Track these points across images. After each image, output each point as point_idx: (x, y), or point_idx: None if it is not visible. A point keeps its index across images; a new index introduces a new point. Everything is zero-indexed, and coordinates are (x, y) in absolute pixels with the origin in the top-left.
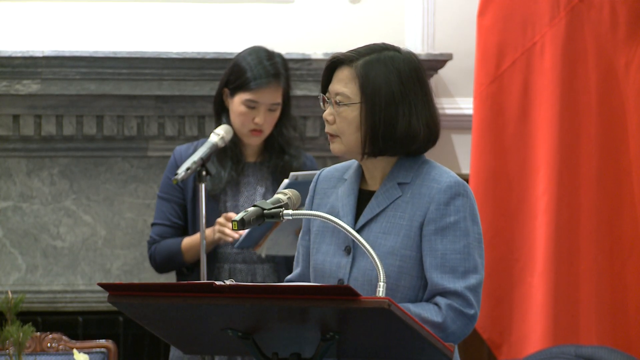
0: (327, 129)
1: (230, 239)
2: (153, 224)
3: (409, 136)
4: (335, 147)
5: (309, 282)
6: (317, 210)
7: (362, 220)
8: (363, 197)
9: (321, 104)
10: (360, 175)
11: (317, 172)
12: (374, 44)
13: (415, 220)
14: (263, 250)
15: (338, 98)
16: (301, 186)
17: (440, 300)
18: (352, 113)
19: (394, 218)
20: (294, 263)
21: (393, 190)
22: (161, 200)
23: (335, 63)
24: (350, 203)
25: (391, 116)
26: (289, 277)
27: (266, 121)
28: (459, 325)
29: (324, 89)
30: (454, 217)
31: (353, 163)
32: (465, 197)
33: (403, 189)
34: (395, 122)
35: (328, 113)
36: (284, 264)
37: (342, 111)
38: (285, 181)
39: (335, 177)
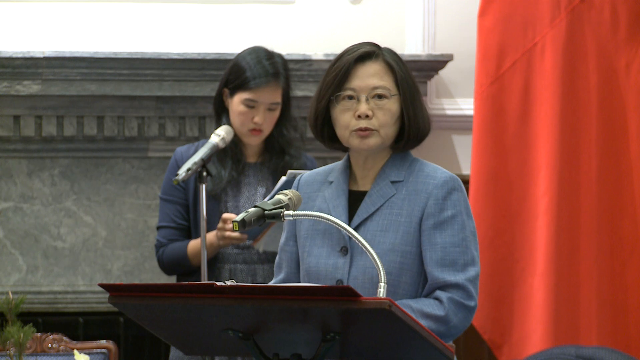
0: (365, 124)
1: (236, 242)
2: (158, 227)
3: (429, 125)
4: (372, 141)
5: None
6: None
7: (356, 219)
8: (353, 198)
9: (335, 101)
10: (348, 176)
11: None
12: (365, 43)
13: (414, 216)
14: (261, 246)
15: (379, 91)
16: None
17: (440, 294)
18: (394, 105)
19: (391, 215)
20: (275, 269)
21: (387, 188)
22: (164, 202)
23: (362, 58)
24: (342, 204)
25: (421, 106)
26: (270, 283)
27: (266, 121)
28: (461, 318)
29: (340, 87)
30: (451, 211)
31: (335, 166)
32: (460, 192)
33: (397, 187)
34: (423, 112)
35: (367, 108)
36: None
37: (384, 104)
38: (283, 178)
39: (318, 181)
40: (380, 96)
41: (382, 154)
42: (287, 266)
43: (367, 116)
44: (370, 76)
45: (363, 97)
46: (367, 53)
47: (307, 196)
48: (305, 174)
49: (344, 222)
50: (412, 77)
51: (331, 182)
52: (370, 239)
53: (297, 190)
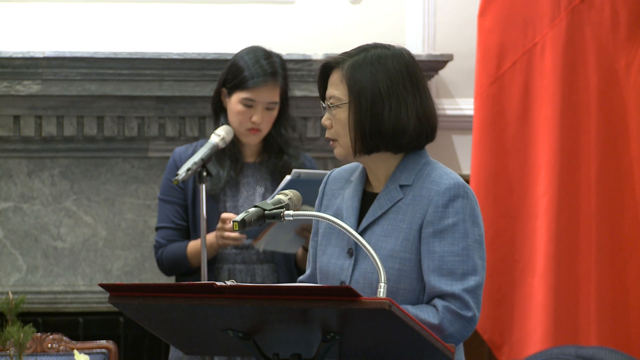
0: (327, 134)
1: (234, 242)
2: (157, 228)
3: (397, 130)
4: (337, 151)
5: (317, 283)
6: (324, 212)
7: (364, 222)
8: (367, 199)
9: (323, 110)
10: (365, 177)
11: (321, 171)
12: (366, 44)
13: (415, 222)
14: (261, 245)
15: (331, 101)
16: (303, 184)
17: (437, 302)
18: (344, 114)
19: (395, 221)
20: (307, 263)
21: (395, 192)
22: (163, 202)
23: (326, 68)
24: (354, 205)
25: (377, 112)
26: (300, 277)
27: (264, 120)
28: (457, 328)
29: (322, 96)
30: (452, 219)
31: (360, 165)
32: (465, 199)
33: (404, 192)
34: (382, 118)
35: (325, 118)
36: (284, 264)
37: (335, 113)
38: (288, 177)
39: (343, 179)
40: (331, 106)
41: (393, 157)
42: (313, 261)
43: (325, 126)
44: (330, 85)
45: (326, 106)
46: (329, 64)
47: (332, 193)
48: (336, 170)
49: (353, 223)
50: (385, 79)
51: (352, 181)
52: (373, 243)
53: (325, 185)
